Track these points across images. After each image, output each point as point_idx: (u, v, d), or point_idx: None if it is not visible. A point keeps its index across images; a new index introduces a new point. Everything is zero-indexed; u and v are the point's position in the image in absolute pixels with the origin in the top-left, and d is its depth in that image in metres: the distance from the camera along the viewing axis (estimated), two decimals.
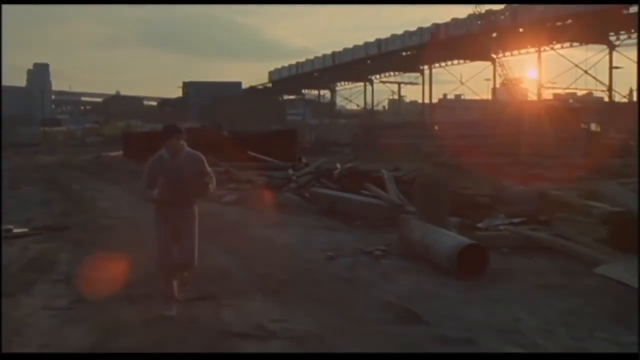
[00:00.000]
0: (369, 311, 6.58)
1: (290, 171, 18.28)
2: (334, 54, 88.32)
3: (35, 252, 9.57)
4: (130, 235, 11.02)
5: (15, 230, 11.43)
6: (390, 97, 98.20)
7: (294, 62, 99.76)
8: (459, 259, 7.90)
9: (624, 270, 7.90)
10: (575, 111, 42.05)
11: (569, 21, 57.14)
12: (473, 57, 71.99)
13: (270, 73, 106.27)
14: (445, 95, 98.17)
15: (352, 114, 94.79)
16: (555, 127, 35.14)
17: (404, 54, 76.72)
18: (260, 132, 27.56)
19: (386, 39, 77.38)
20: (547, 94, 66.39)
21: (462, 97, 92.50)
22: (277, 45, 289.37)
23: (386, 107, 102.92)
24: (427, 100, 78.83)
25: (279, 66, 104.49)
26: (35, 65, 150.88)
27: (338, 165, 17.37)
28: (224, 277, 7.87)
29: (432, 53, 69.50)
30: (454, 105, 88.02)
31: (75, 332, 5.72)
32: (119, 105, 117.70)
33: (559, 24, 58.12)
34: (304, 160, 21.40)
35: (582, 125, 40.28)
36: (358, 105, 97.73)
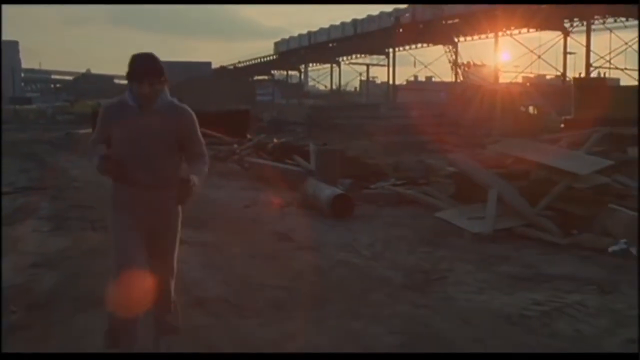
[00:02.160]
0: (258, 235, 9.64)
1: (235, 145, 21.28)
2: (355, 21, 79.11)
3: (22, 202, 12.47)
4: (95, 193, 13.99)
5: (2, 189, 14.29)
6: (362, 79, 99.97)
7: (269, 41, 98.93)
8: (334, 204, 10.98)
9: (454, 214, 10.95)
10: (516, 94, 45.22)
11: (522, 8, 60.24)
12: (436, 41, 74.44)
13: (277, 44, 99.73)
14: (416, 77, 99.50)
15: (321, 95, 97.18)
16: (493, 109, 38.42)
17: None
18: (217, 112, 30.29)
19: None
20: (516, 78, 68.66)
21: (433, 79, 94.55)
22: (250, 25, 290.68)
23: (357, 89, 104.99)
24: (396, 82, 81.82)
25: (251, 45, 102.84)
26: (5, 42, 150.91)
27: (275, 140, 20.39)
28: None
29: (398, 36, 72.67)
30: (423, 87, 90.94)
31: (56, 242, 8.75)
32: (90, 84, 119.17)
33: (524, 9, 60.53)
34: (249, 136, 24.34)
35: (522, 108, 43.67)
36: (325, 87, 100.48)
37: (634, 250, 8.72)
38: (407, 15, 71.70)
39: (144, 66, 4.13)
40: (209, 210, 11.73)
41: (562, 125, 23.43)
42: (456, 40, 71.81)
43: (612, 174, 10.71)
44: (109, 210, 4.35)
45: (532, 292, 6.60)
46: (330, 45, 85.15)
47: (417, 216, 11.25)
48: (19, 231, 9.50)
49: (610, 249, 8.78)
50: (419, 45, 79.43)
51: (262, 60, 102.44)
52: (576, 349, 4.89)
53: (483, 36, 69.96)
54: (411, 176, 14.51)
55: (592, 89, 23.09)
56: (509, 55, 70.23)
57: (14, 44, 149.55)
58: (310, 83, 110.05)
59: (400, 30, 70.38)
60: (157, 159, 4.17)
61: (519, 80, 67.26)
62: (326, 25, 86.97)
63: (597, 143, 11.78)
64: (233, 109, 33.82)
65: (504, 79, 65.68)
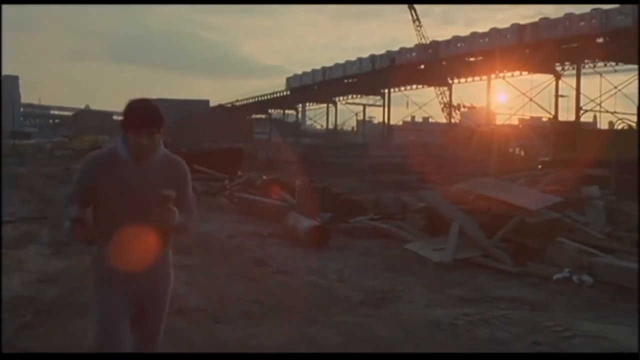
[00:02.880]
0: (239, 260, 10.66)
1: (226, 181, 22.40)
2: (373, 57, 78.45)
3: (24, 230, 13.49)
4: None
5: (5, 219, 15.32)
6: (359, 118, 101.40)
7: (266, 79, 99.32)
8: (310, 235, 12.01)
9: (421, 245, 11.98)
10: (503, 136, 46.57)
11: (515, 53, 61.82)
12: (431, 83, 75.91)
13: (289, 79, 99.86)
14: (413, 117, 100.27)
15: (318, 134, 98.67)
16: (480, 149, 39.60)
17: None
18: (212, 149, 31.58)
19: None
20: (509, 119, 69.81)
21: (430, 119, 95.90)
22: (248, 63, 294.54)
23: (355, 128, 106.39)
24: (391, 122, 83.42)
25: (249, 83, 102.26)
26: (5, 77, 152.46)
27: (264, 177, 21.51)
28: None
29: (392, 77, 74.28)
30: (418, 128, 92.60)
31: (57, 263, 9.80)
32: (89, 120, 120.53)
33: (517, 53, 62.05)
34: (240, 173, 25.44)
35: (510, 150, 45.03)
36: (321, 126, 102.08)
37: (575, 279, 9.76)
38: (414, 54, 72.36)
39: (144, 115, 3.63)
40: (196, 239, 12.74)
41: (540, 167, 24.57)
42: (450, 81, 73.48)
43: (564, 210, 11.79)
44: (92, 278, 3.79)
45: (470, 308, 7.61)
46: (346, 81, 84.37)
47: (388, 247, 12.24)
48: (23, 254, 10.54)
49: (555, 277, 9.79)
50: (414, 86, 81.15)
51: (259, 99, 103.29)
52: (488, 349, 5.91)
53: (477, 78, 71.61)
54: (388, 212, 15.53)
55: (568, 133, 24.29)
56: (505, 96, 71.72)
57: (14, 79, 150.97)
58: (308, 122, 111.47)
59: (422, 66, 71.19)
60: (148, 213, 3.52)
61: (515, 121, 68.60)
62: (329, 64, 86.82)
63: (552, 182, 12.89)
64: (227, 147, 35.02)
65: (499, 120, 67.12)
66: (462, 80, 73.61)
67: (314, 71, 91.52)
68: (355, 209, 16.40)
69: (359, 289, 8.68)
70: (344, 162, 35.83)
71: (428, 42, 67.36)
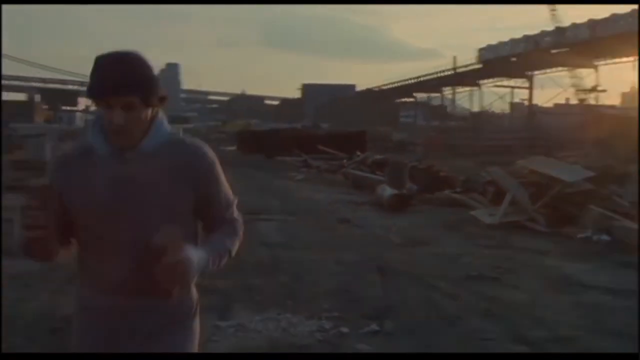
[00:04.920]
0: (327, 219, 13.66)
1: (344, 160, 25.61)
2: (592, 23, 66.68)
3: None
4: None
5: None
6: (508, 101, 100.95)
7: (417, 62, 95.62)
8: (391, 201, 14.87)
9: (483, 212, 14.51)
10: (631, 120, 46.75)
11: None
12: (575, 65, 74.98)
13: (481, 50, 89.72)
14: (567, 99, 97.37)
15: (464, 117, 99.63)
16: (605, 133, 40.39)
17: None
18: (341, 132, 34.95)
19: None
20: None
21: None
22: (396, 46, 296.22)
23: (505, 111, 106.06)
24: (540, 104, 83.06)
25: (396, 67, 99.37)
26: (168, 65, 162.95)
27: (377, 156, 24.50)
28: (264, 211, 14.75)
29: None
30: (567, 110, 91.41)
31: None
32: (242, 105, 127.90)
33: None
34: (358, 153, 28.56)
35: None
36: (463, 109, 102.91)
37: (595, 237, 12.01)
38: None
39: (113, 75, 2.13)
40: (303, 205, 15.89)
41: None
42: (596, 64, 72.61)
43: (604, 183, 13.96)
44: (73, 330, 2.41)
45: (476, 249, 10.21)
46: (553, 51, 73.19)
47: (456, 213, 14.76)
48: None
49: (578, 236, 12.10)
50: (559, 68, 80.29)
51: (408, 81, 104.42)
52: (456, 268, 8.59)
53: (624, 59, 70.46)
54: (472, 185, 18.05)
55: None
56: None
57: (174, 67, 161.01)
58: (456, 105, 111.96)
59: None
60: (148, 241, 2.12)
61: None
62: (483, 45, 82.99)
63: (594, 158, 15.00)
64: (352, 130, 38.26)
65: None
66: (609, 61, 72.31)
67: (512, 40, 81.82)
68: (447, 184, 18.99)
69: (405, 237, 11.45)
70: (462, 143, 38.19)
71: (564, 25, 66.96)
